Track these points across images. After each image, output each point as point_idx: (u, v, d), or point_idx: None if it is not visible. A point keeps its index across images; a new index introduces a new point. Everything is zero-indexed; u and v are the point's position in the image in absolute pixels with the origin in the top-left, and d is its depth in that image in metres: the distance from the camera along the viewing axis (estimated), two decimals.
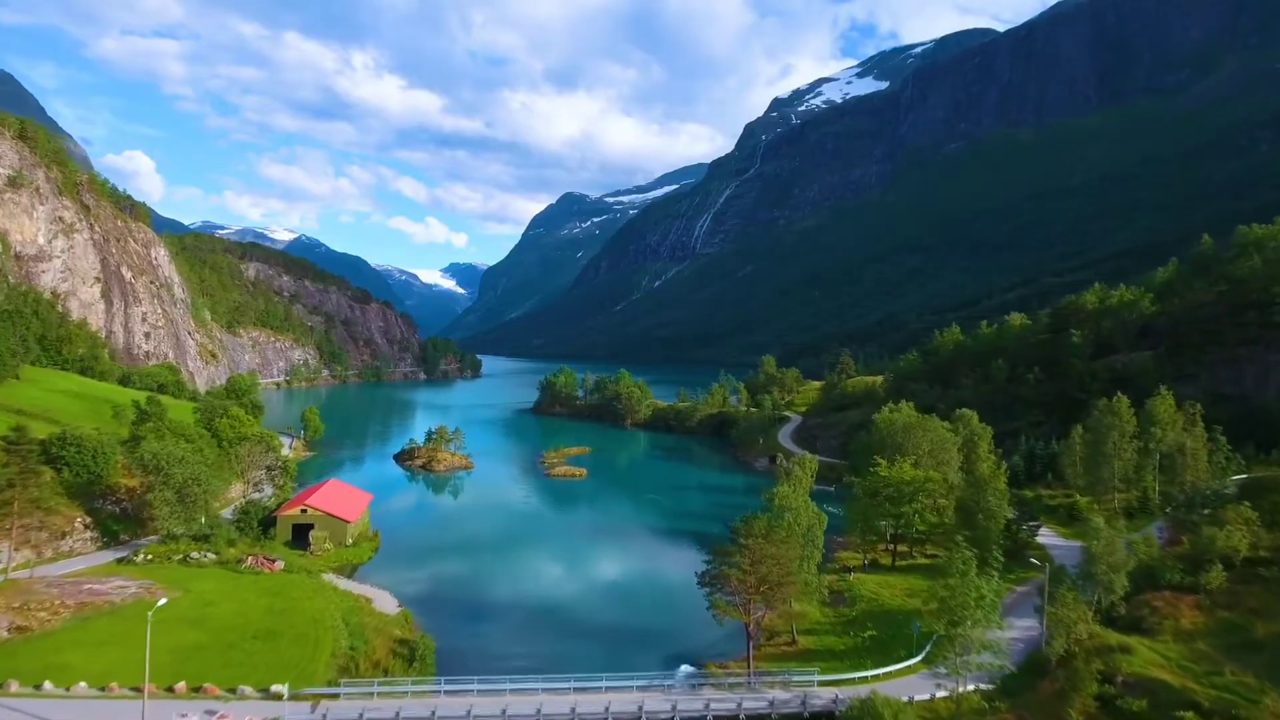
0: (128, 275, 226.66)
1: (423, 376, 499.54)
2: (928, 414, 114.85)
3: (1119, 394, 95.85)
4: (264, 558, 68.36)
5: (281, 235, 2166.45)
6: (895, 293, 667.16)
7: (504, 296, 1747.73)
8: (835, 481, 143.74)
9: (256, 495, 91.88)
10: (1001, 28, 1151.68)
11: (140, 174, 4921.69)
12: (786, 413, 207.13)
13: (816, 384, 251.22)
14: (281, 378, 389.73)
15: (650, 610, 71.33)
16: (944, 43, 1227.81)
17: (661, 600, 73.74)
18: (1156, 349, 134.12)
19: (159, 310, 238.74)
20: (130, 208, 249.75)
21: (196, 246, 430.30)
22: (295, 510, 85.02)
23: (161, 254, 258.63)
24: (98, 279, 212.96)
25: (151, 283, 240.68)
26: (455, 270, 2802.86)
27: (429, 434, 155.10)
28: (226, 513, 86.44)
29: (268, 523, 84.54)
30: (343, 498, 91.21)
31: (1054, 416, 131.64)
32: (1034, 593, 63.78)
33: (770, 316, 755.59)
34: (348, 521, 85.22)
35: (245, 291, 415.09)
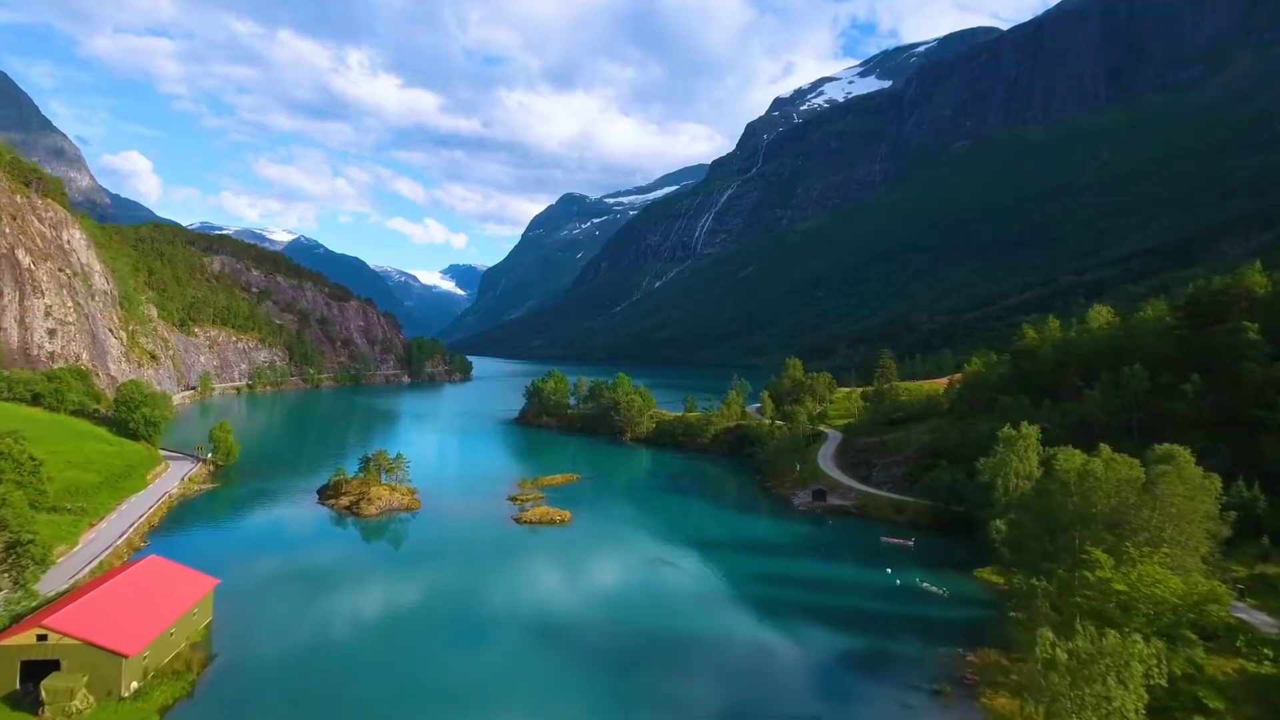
0: (25, 260, 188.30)
1: (406, 380, 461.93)
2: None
3: None
4: None
5: (280, 236, 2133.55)
6: (902, 293, 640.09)
7: (503, 297, 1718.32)
8: (911, 530, 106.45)
9: None
10: (1003, 26, 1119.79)
11: (138, 174, 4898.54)
12: (821, 427, 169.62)
13: (850, 390, 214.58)
14: (244, 381, 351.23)
15: None
16: (948, 41, 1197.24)
17: None
18: None
19: (69, 303, 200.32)
20: (37, 182, 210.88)
21: (155, 238, 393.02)
22: (26, 636, 47.05)
23: (76, 237, 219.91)
24: None
25: (60, 270, 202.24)
26: (454, 271, 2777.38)
27: (364, 461, 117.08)
28: None
29: None
30: (137, 602, 52.73)
31: (1223, 442, 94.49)
32: None
33: (773, 317, 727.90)
34: (124, 656, 47.19)
35: (206, 286, 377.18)
